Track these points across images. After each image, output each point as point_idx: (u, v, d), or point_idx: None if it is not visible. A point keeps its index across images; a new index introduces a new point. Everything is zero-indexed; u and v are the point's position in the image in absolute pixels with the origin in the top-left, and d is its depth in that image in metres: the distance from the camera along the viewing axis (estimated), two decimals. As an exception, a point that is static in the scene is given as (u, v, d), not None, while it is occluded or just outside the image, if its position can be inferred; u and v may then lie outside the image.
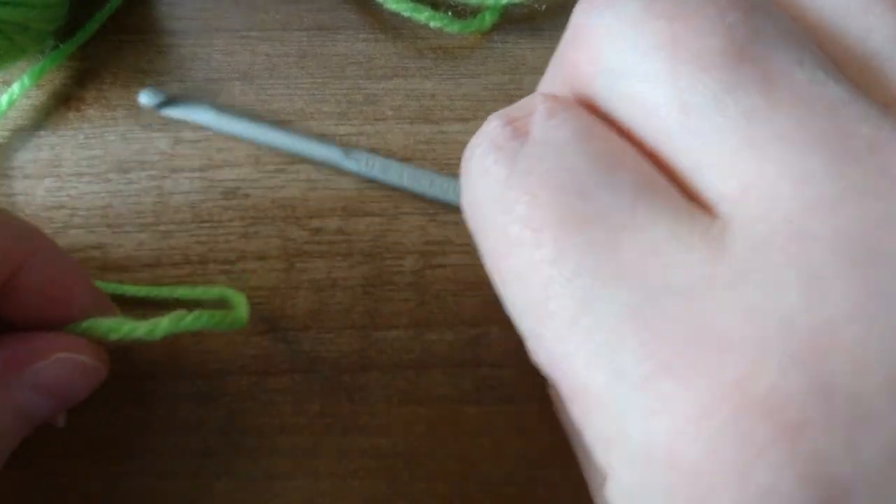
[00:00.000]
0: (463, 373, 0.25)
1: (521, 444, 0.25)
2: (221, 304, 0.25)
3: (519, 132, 0.15)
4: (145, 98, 0.26)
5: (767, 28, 0.13)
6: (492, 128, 0.16)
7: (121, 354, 0.22)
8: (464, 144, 0.26)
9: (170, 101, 0.26)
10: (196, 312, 0.22)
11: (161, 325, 0.21)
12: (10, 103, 0.26)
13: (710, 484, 0.11)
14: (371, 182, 0.26)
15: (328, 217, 0.26)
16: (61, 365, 0.20)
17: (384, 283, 0.26)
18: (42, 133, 0.26)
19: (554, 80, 0.17)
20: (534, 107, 0.15)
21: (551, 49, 0.27)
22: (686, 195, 0.13)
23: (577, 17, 0.16)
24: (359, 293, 0.26)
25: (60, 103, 0.27)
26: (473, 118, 0.26)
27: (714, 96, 0.13)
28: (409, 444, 0.25)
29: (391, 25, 0.27)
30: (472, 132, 0.26)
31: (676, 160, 0.13)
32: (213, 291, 0.25)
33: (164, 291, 0.25)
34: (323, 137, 0.26)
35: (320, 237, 0.26)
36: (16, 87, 0.26)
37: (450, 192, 0.25)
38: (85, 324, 0.21)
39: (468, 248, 0.26)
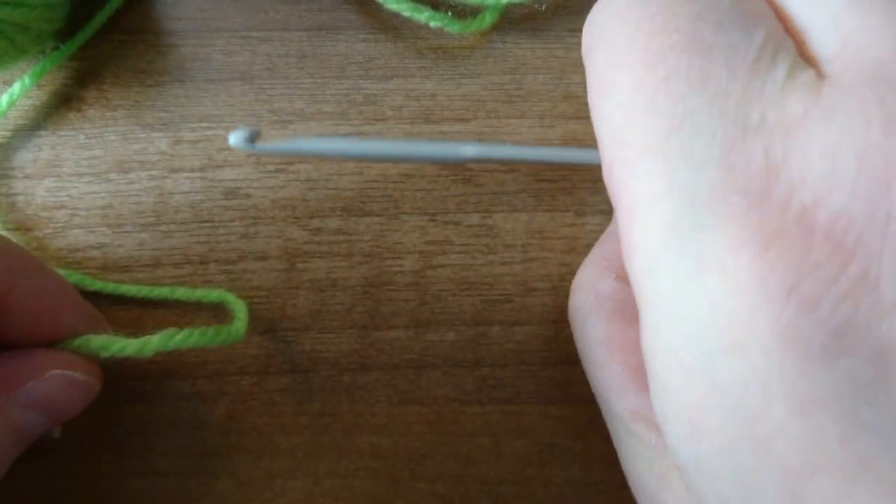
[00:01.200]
0: (463, 373, 0.25)
1: (521, 444, 0.25)
2: (221, 308, 0.25)
3: None
4: (235, 139, 0.25)
5: None
6: None
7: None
8: (464, 144, 0.26)
9: (260, 138, 0.25)
10: (187, 330, 0.22)
11: (151, 342, 0.21)
12: (11, 103, 0.26)
13: (760, 294, 0.12)
14: (371, 182, 0.26)
15: (328, 217, 0.26)
16: (55, 382, 0.20)
17: (384, 283, 0.26)
18: (42, 133, 0.26)
19: None
20: None
21: (551, 49, 0.27)
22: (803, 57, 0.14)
23: None
24: (359, 293, 0.26)
25: (61, 103, 0.27)
26: (473, 118, 0.27)
27: None
28: (409, 444, 0.25)
29: (391, 25, 0.27)
30: (472, 132, 0.26)
31: (793, 21, 0.14)
32: (213, 295, 0.25)
33: (164, 292, 0.25)
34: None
35: (320, 237, 0.26)
36: (16, 87, 0.26)
37: (568, 154, 0.25)
38: (76, 341, 0.21)
39: (468, 248, 0.26)
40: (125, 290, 0.25)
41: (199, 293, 0.25)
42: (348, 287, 0.26)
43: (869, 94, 0.12)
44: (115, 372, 0.23)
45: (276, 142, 0.25)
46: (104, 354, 0.21)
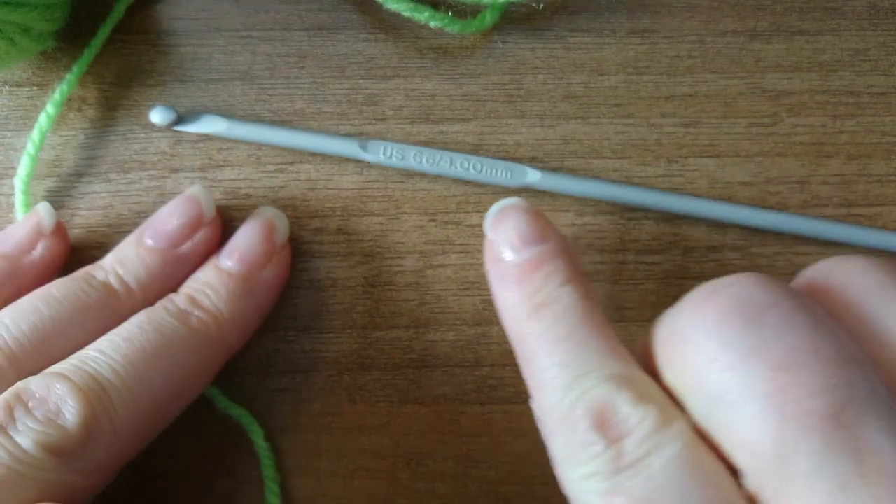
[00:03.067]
0: (463, 373, 0.25)
1: (521, 444, 0.25)
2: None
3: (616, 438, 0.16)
4: (157, 117, 0.26)
5: (861, 389, 0.14)
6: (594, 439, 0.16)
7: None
8: (463, 144, 0.26)
9: (181, 118, 0.26)
10: None
11: None
12: (42, 136, 0.25)
13: None
14: (371, 182, 0.26)
15: (328, 217, 0.26)
16: None
17: (384, 283, 0.26)
18: (42, 133, 0.26)
19: (641, 362, 0.18)
20: (637, 421, 0.16)
21: (551, 49, 0.27)
22: None
23: (681, 321, 0.16)
24: (359, 293, 0.26)
25: (61, 103, 0.27)
26: (473, 118, 0.27)
27: (813, 460, 0.14)
28: (409, 444, 0.25)
29: (391, 25, 0.27)
30: (472, 132, 0.26)
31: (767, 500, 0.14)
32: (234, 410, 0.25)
33: None
34: (338, 132, 0.26)
35: (320, 237, 0.26)
36: (50, 108, 0.25)
37: (470, 171, 0.25)
38: None
39: (468, 248, 0.26)
40: None
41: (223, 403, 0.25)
42: (348, 287, 0.26)
43: None
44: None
45: (194, 125, 0.26)
46: None
